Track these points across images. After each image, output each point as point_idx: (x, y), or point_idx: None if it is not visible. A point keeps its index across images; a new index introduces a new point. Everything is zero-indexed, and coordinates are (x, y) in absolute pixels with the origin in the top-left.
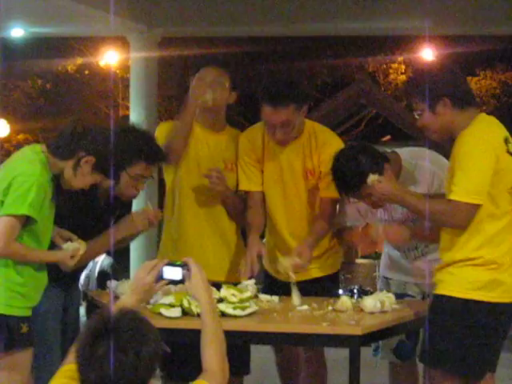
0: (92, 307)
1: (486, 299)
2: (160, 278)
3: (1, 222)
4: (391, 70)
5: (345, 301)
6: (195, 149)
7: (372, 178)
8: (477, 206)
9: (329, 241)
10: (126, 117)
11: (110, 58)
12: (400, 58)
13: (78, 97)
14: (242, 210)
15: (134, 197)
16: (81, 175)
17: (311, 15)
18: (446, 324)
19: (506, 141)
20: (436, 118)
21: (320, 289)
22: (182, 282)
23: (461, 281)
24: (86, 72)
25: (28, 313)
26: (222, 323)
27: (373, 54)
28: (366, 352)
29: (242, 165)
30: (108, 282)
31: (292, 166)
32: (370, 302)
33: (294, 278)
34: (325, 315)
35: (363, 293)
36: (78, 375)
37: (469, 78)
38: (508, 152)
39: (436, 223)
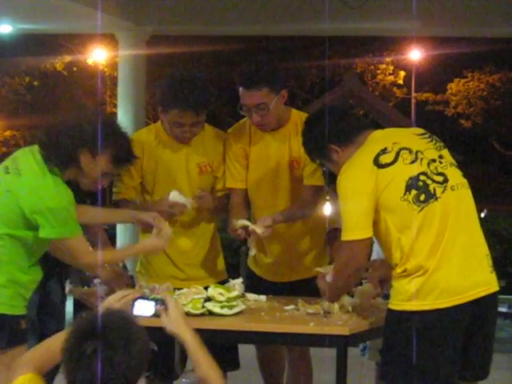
0: (79, 305)
1: (418, 308)
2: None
3: (69, 244)
4: (379, 71)
5: None
6: (167, 159)
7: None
8: (364, 240)
9: (317, 239)
10: (114, 114)
11: (97, 55)
12: (388, 59)
13: (65, 94)
14: (222, 207)
15: (96, 190)
16: (89, 170)
17: (300, 15)
18: (387, 337)
19: (379, 155)
20: (338, 165)
21: (308, 290)
22: (153, 316)
23: (396, 293)
24: (74, 69)
25: (25, 310)
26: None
27: (361, 55)
28: (352, 352)
29: (227, 161)
30: (95, 280)
31: (278, 155)
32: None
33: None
34: (312, 315)
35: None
36: (65, 376)
37: (456, 80)
38: (380, 166)
39: (344, 279)
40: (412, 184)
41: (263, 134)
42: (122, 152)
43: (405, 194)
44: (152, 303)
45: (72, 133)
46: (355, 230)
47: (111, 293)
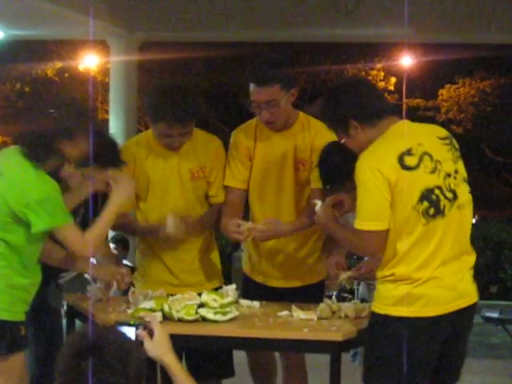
0: (72, 311)
1: (403, 314)
2: None
3: (60, 233)
4: (370, 77)
5: (325, 307)
6: (159, 167)
7: (316, 203)
8: (378, 232)
9: (316, 244)
10: (106, 121)
11: (89, 61)
12: (379, 65)
13: None
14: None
15: (87, 197)
16: (72, 155)
17: (291, 21)
18: (370, 339)
19: (404, 155)
20: (353, 141)
21: (308, 295)
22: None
23: (381, 296)
24: (66, 75)
25: (25, 317)
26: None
27: (352, 61)
28: (345, 358)
29: (230, 159)
30: (88, 286)
31: (283, 155)
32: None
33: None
34: (306, 321)
35: (342, 299)
36: None
37: (447, 86)
38: (404, 168)
39: (353, 251)
40: (426, 196)
41: (269, 134)
42: (99, 127)
43: (417, 203)
44: (132, 329)
45: (47, 122)
46: (368, 220)
47: (108, 288)
